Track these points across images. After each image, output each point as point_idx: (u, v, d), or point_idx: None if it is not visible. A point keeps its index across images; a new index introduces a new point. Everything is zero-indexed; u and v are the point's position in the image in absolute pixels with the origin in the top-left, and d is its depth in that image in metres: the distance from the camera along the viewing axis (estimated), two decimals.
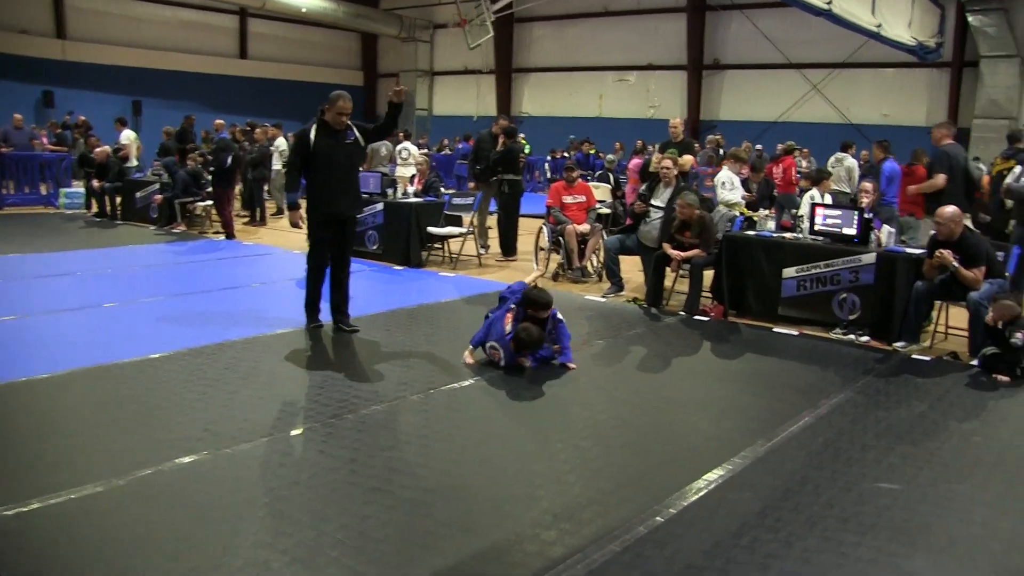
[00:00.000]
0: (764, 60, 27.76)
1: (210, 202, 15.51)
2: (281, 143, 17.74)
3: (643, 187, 10.72)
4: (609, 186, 16.77)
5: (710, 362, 8.14)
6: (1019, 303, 7.54)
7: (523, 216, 13.66)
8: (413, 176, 14.61)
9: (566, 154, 25.17)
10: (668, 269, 9.86)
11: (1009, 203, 9.61)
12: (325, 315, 8.33)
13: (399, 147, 18.70)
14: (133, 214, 16.47)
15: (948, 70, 24.92)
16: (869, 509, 4.60)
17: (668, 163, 10.42)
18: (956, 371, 7.63)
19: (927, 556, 4.13)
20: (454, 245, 12.80)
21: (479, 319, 7.61)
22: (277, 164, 17.44)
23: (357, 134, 8.03)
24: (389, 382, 6.71)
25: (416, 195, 13.01)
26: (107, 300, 9.40)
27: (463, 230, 12.68)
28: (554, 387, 6.76)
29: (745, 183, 11.94)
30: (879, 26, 18.71)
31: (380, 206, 12.52)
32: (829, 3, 16.06)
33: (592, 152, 24.45)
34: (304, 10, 29.79)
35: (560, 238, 11.58)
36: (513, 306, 7.20)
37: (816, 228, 9.33)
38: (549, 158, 26.36)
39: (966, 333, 8.21)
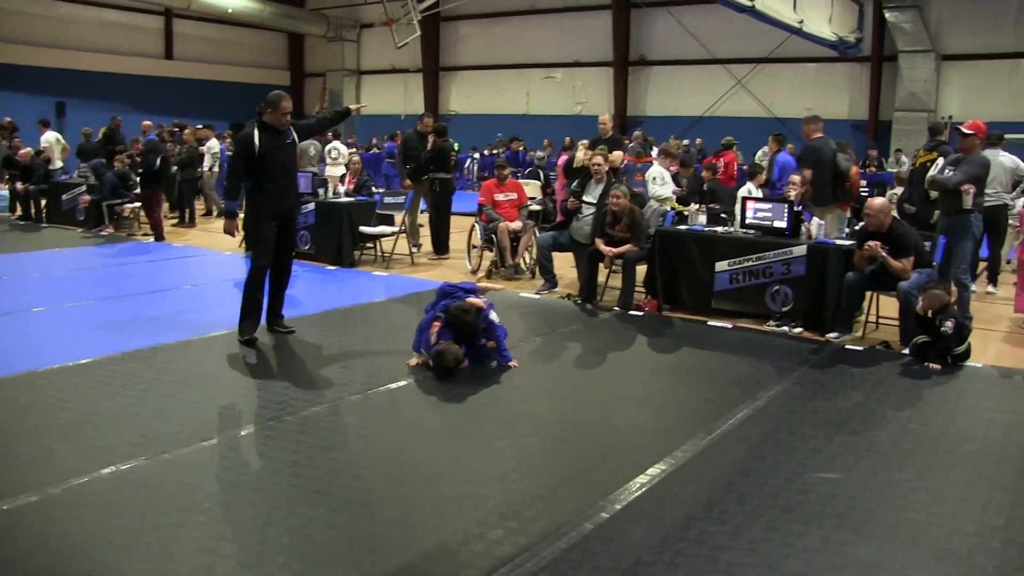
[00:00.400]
0: (689, 56, 28.01)
1: (138, 204, 15.25)
2: (214, 144, 17.44)
3: (575, 183, 10.69)
4: (539, 183, 16.75)
5: (647, 356, 8.14)
6: (948, 292, 7.66)
7: (454, 214, 13.58)
8: (343, 175, 14.46)
9: (495, 152, 25.16)
10: (601, 265, 9.84)
11: (934, 194, 9.74)
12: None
13: (328, 147, 18.52)
14: (59, 217, 16.18)
15: (868, 64, 25.43)
16: (812, 499, 4.62)
17: (599, 159, 10.41)
18: (889, 360, 7.72)
19: (871, 543, 4.14)
20: (386, 244, 12.70)
21: (414, 318, 7.56)
22: (208, 164, 17.14)
23: (294, 134, 7.96)
24: (327, 383, 6.63)
25: (348, 195, 12.87)
26: (34, 305, 9.22)
27: (395, 229, 12.61)
28: (494, 385, 6.71)
29: (675, 178, 11.97)
30: (801, 22, 18.99)
31: (312, 206, 12.38)
32: (752, 0, 16.24)
33: (521, 149, 24.45)
34: (230, 10, 29.47)
35: (493, 235, 11.52)
36: (440, 313, 7.05)
37: (747, 221, 9.39)
38: (476, 155, 26.36)
39: (897, 322, 8.32)
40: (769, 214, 9.23)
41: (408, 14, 22.00)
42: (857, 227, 9.12)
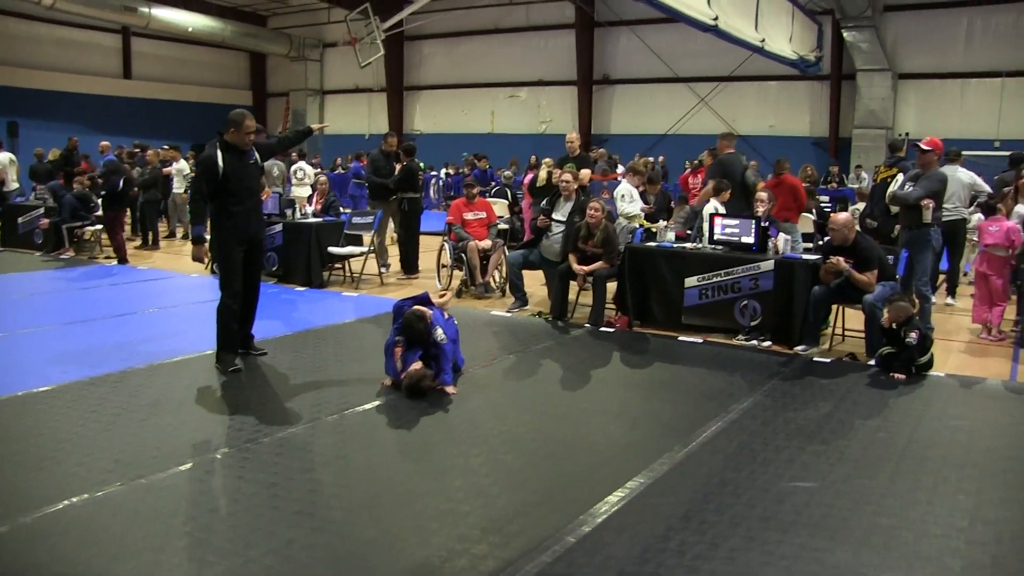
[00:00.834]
0: (653, 75, 28.32)
1: (100, 226, 15.04)
2: (184, 166, 17.35)
3: (544, 202, 10.81)
4: (507, 202, 16.85)
5: (620, 372, 8.24)
6: (912, 304, 7.85)
7: (423, 234, 13.63)
8: (310, 196, 14.46)
9: (460, 171, 25.23)
10: (572, 282, 9.96)
11: (895, 209, 9.97)
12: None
13: (294, 167, 18.47)
14: (15, 240, 15.82)
15: (828, 83, 25.86)
16: (788, 507, 4.74)
17: (568, 177, 10.52)
18: (856, 371, 7.90)
19: (847, 549, 4.27)
20: (355, 264, 12.69)
21: (384, 338, 7.50)
22: (178, 186, 17.07)
23: (257, 154, 7.74)
24: (303, 404, 6.62)
25: (315, 215, 12.88)
26: None
27: (364, 249, 12.61)
28: (469, 402, 6.75)
29: (643, 195, 12.12)
30: (763, 41, 19.23)
31: (279, 227, 12.33)
32: (715, 19, 16.43)
33: (487, 168, 24.54)
34: (190, 29, 29.37)
35: (462, 255, 11.60)
36: (399, 338, 6.98)
37: (715, 237, 9.55)
38: (441, 174, 26.45)
39: (863, 334, 8.52)
40: (737, 230, 9.39)
41: (372, 33, 22.07)
42: (822, 242, 9.31)
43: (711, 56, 25.51)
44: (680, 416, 6.55)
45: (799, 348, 8.61)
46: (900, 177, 10.15)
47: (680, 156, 23.79)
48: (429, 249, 13.32)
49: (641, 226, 10.91)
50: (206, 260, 7.81)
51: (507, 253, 11.42)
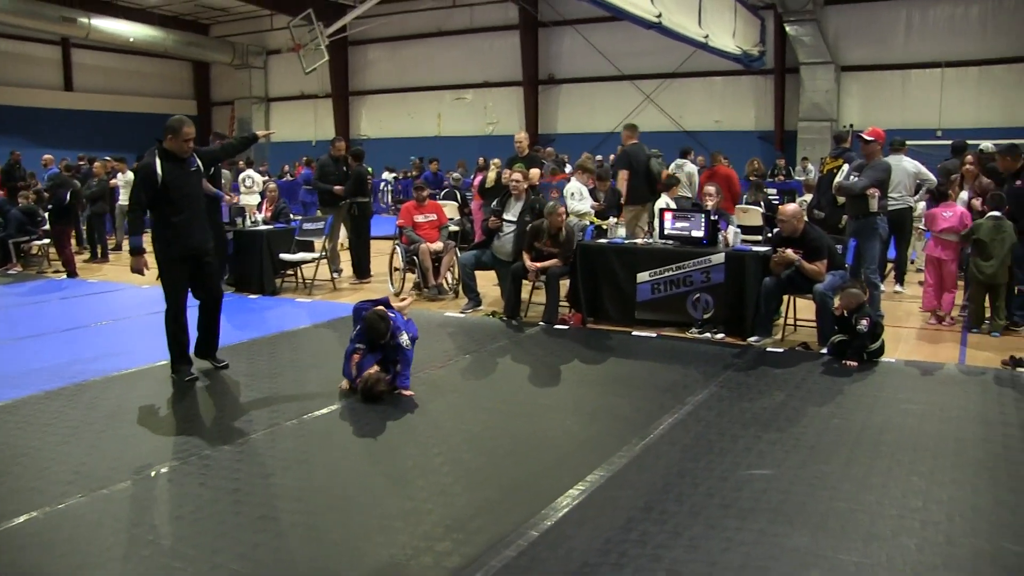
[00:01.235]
0: (598, 73, 28.40)
1: (47, 240, 14.91)
2: (131, 177, 17.13)
3: (495, 203, 10.83)
4: (457, 204, 16.83)
5: (575, 368, 8.25)
6: (863, 291, 7.96)
7: (374, 238, 13.61)
8: (260, 203, 14.37)
9: (411, 174, 25.18)
10: (525, 280, 9.98)
11: (841, 199, 10.10)
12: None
13: (242, 175, 18.34)
14: None
15: (772, 76, 26.07)
16: (747, 495, 4.80)
17: (518, 177, 10.55)
18: (808, 360, 8.00)
19: (805, 533, 4.34)
20: (307, 271, 12.66)
21: (340, 343, 7.54)
22: (124, 199, 16.87)
23: (199, 161, 7.51)
24: (261, 410, 6.59)
25: (265, 222, 12.81)
26: None
27: (315, 255, 12.57)
28: (428, 404, 6.74)
29: (593, 192, 12.18)
30: (706, 37, 19.34)
31: (230, 235, 12.22)
32: (659, 16, 16.50)
33: (438, 171, 24.49)
34: (131, 39, 28.93)
35: (414, 257, 11.58)
36: (359, 344, 6.96)
37: (666, 232, 9.62)
38: (388, 177, 26.38)
39: (814, 324, 8.63)
40: (687, 224, 9.46)
41: (315, 39, 21.94)
42: (771, 234, 9.41)
43: (656, 53, 25.62)
44: (637, 409, 6.59)
45: (752, 339, 8.70)
46: (845, 168, 10.27)
47: None
48: (381, 253, 13.29)
49: (592, 223, 10.96)
50: (146, 271, 7.53)
51: (459, 254, 11.41)
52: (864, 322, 7.70)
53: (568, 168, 17.60)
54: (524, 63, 29.45)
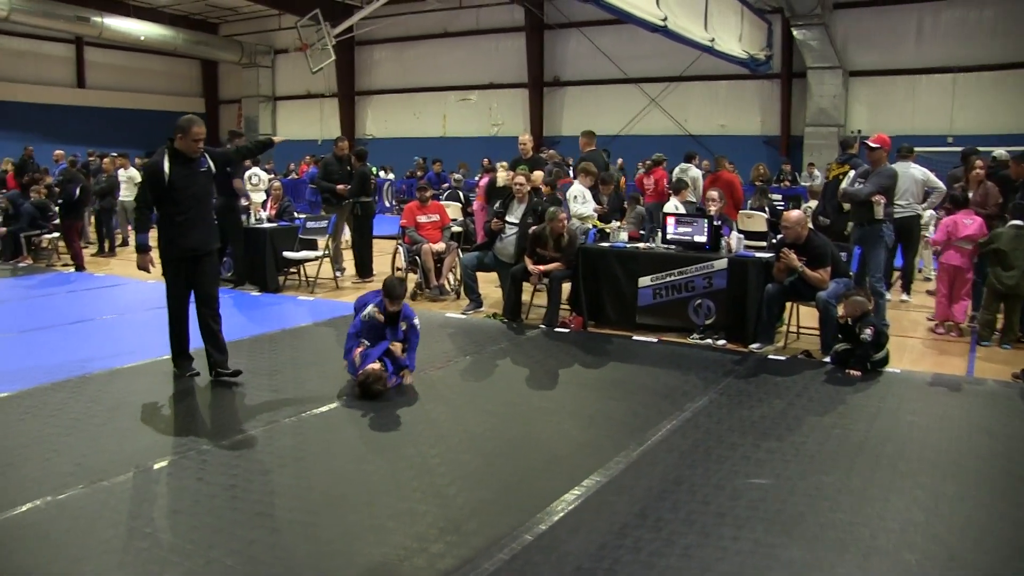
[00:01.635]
0: (603, 76, 28.29)
1: (57, 234, 15.06)
2: (135, 174, 17.11)
3: (498, 204, 10.78)
4: (460, 204, 16.77)
5: (575, 372, 8.18)
6: (868, 299, 7.87)
7: (377, 238, 13.58)
8: (265, 201, 14.32)
9: (417, 174, 25.13)
10: (527, 283, 9.91)
11: (847, 206, 10.01)
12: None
13: (248, 173, 18.23)
14: None
15: (778, 81, 25.92)
16: (743, 504, 4.74)
17: (521, 179, 10.51)
18: (811, 368, 7.92)
19: (801, 545, 4.27)
20: (310, 269, 12.67)
21: (341, 341, 7.52)
22: (125, 194, 16.85)
23: (210, 162, 7.41)
24: (260, 407, 6.60)
25: (270, 220, 12.80)
26: None
27: (319, 254, 12.56)
28: (427, 404, 6.73)
29: (596, 195, 12.10)
30: (712, 40, 19.26)
31: None
32: (664, 20, 16.43)
33: (441, 171, 24.46)
34: (142, 38, 29.09)
35: (416, 257, 11.54)
36: (363, 340, 7.07)
37: (669, 237, 9.54)
38: (390, 176, 26.32)
39: (817, 331, 8.54)
40: (689, 229, 9.39)
41: (322, 39, 21.91)
42: (775, 240, 9.33)
43: (661, 56, 25.53)
44: (635, 415, 6.54)
45: (753, 346, 8.62)
46: (851, 174, 10.18)
47: (632, 157, 23.69)
48: (383, 253, 13.26)
49: (594, 227, 10.89)
50: (152, 268, 7.52)
51: (461, 255, 11.36)
52: (868, 331, 7.62)
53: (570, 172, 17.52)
54: (529, 65, 29.38)
